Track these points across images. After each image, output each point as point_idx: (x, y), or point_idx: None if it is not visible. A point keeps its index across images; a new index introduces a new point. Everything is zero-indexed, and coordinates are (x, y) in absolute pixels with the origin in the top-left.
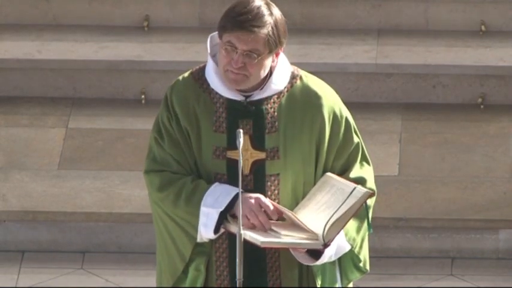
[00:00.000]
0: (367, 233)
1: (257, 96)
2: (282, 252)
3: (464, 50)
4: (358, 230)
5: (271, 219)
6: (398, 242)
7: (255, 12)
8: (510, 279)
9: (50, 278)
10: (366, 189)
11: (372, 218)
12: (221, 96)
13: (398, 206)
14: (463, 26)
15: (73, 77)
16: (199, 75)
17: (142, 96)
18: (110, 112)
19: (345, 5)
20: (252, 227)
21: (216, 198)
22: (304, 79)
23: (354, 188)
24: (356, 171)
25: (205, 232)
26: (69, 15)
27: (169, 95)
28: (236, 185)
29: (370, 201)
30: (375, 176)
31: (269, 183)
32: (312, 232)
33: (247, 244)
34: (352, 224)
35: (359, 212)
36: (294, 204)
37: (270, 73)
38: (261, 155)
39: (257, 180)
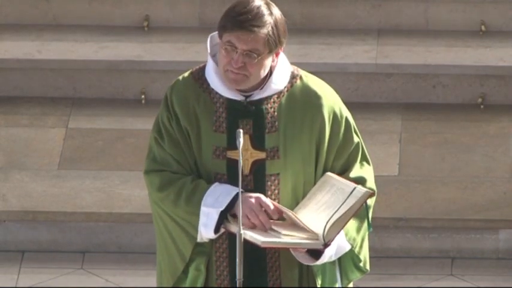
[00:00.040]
0: (367, 233)
1: (257, 96)
2: (282, 252)
3: (464, 50)
4: (358, 229)
5: (272, 219)
6: (398, 242)
7: (255, 12)
8: (510, 279)
9: (50, 278)
10: (366, 189)
11: (372, 218)
12: (221, 96)
13: (398, 206)
14: (463, 26)
15: (73, 77)
16: (199, 75)
17: (142, 96)
18: (110, 112)
19: (345, 5)
20: (253, 227)
21: (216, 198)
22: (304, 79)
23: (354, 188)
24: (356, 171)
25: (206, 232)
26: (69, 15)
27: (169, 95)
28: (236, 185)
29: (370, 201)
30: (375, 176)
31: (269, 183)
32: (312, 232)
33: (247, 244)
34: (352, 224)
35: (359, 211)
36: (294, 204)
37: (270, 73)
38: (261, 155)
39: (257, 180)
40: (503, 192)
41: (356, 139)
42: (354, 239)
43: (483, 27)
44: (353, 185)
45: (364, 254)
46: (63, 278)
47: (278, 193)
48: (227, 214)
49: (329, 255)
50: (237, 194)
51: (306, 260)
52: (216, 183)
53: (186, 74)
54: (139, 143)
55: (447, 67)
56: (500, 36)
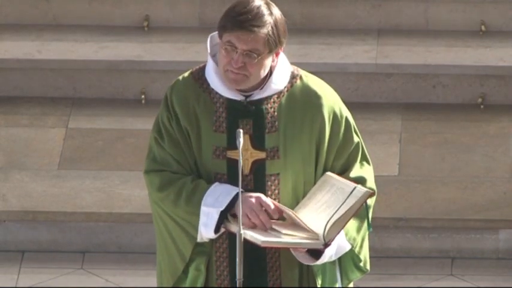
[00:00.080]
0: (367, 233)
1: (257, 96)
2: (282, 252)
3: (464, 50)
4: (359, 229)
5: (272, 219)
6: (398, 242)
7: (255, 12)
8: (510, 279)
9: (50, 278)
10: (366, 189)
11: (372, 218)
12: (221, 96)
13: (398, 206)
14: (463, 26)
15: (73, 77)
16: (199, 75)
17: (142, 96)
18: (110, 112)
19: (345, 5)
20: (253, 226)
21: (216, 198)
22: (304, 79)
23: (354, 188)
24: (356, 171)
25: (206, 232)
26: (69, 15)
27: (169, 95)
28: (236, 185)
29: (370, 201)
30: (375, 176)
31: (269, 183)
32: (313, 232)
33: (247, 244)
34: (352, 224)
35: (359, 211)
36: (294, 204)
37: (270, 73)
38: (261, 155)
39: (257, 180)
40: (503, 192)
41: (356, 139)
42: (354, 239)
43: (483, 27)
44: (353, 184)
45: (364, 254)
46: (63, 278)
47: (278, 193)
48: (227, 214)
49: (329, 255)
50: (237, 194)
51: (306, 260)
52: (216, 183)
53: (186, 74)
54: (139, 143)
55: (447, 67)
56: (500, 36)
